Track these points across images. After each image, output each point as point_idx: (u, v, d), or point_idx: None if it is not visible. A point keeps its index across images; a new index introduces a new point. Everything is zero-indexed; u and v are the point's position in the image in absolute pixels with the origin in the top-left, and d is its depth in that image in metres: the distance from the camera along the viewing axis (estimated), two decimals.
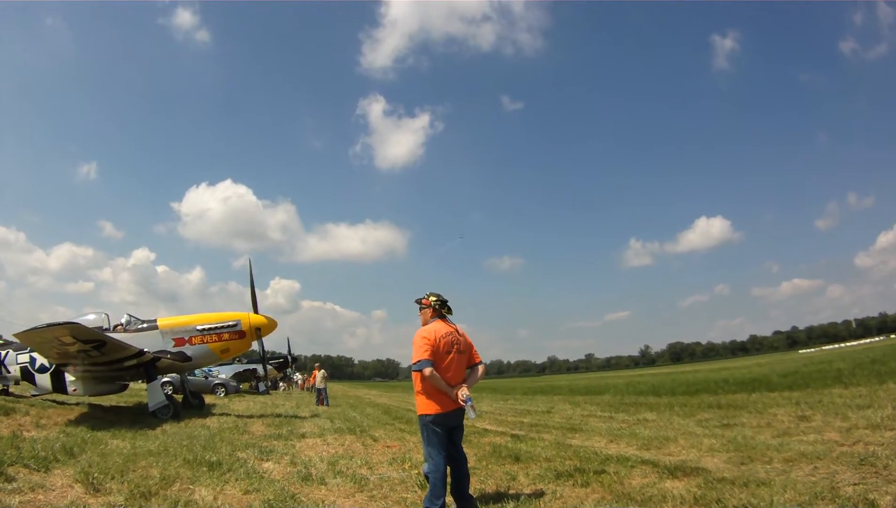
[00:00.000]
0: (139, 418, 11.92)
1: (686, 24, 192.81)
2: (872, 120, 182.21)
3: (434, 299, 4.37)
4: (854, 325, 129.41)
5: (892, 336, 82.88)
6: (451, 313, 4.41)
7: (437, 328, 4.24)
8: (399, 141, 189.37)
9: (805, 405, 10.09)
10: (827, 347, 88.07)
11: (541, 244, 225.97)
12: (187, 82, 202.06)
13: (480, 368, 4.45)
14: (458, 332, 4.33)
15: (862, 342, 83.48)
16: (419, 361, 4.05)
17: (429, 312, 4.39)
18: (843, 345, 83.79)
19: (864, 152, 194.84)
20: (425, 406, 4.15)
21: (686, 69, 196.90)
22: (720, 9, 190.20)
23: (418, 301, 4.51)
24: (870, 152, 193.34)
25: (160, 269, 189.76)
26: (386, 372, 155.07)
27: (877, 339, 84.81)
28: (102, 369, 11.99)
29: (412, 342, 4.18)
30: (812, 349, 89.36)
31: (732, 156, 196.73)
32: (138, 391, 16.22)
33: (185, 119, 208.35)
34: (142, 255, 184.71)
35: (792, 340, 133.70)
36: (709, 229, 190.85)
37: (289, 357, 38.06)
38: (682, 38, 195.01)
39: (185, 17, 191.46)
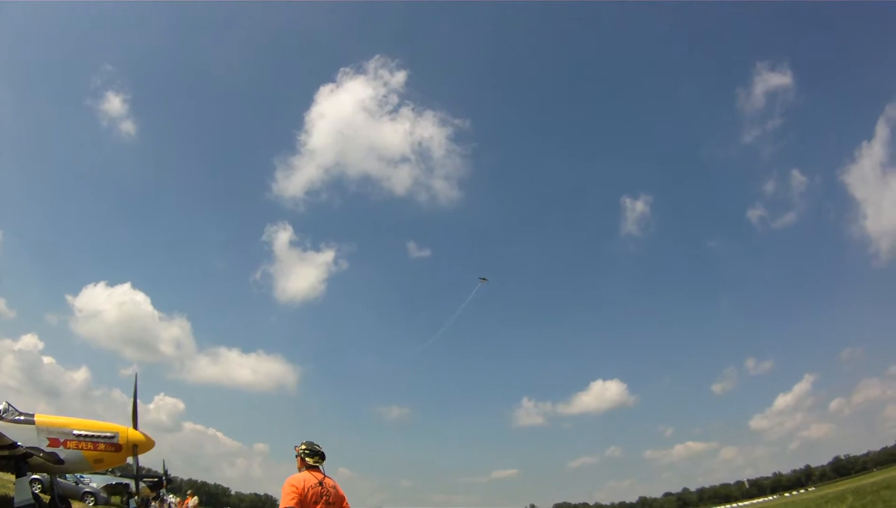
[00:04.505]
0: None
1: (598, 185, 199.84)
2: (774, 287, 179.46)
3: (304, 447, 4.62)
4: (747, 485, 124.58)
5: (787, 495, 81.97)
6: (322, 462, 4.58)
7: (307, 477, 4.46)
8: (301, 274, 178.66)
9: None
10: None
11: (432, 395, 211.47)
12: (104, 172, 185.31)
13: None
14: (328, 483, 4.48)
15: (754, 501, 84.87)
16: None
17: (299, 460, 4.62)
18: (735, 505, 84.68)
19: (765, 318, 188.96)
20: None
21: (595, 229, 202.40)
22: (632, 172, 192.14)
23: (295, 448, 4.71)
24: (770, 318, 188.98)
25: (46, 360, 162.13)
26: None
27: (770, 498, 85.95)
28: None
29: (282, 488, 4.34)
30: None
31: (633, 319, 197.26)
32: (6, 482, 16.04)
33: (95, 210, 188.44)
34: (30, 341, 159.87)
35: (683, 501, 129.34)
36: (604, 392, 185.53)
37: (163, 478, 35.73)
38: (593, 197, 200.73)
39: (114, 104, 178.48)
